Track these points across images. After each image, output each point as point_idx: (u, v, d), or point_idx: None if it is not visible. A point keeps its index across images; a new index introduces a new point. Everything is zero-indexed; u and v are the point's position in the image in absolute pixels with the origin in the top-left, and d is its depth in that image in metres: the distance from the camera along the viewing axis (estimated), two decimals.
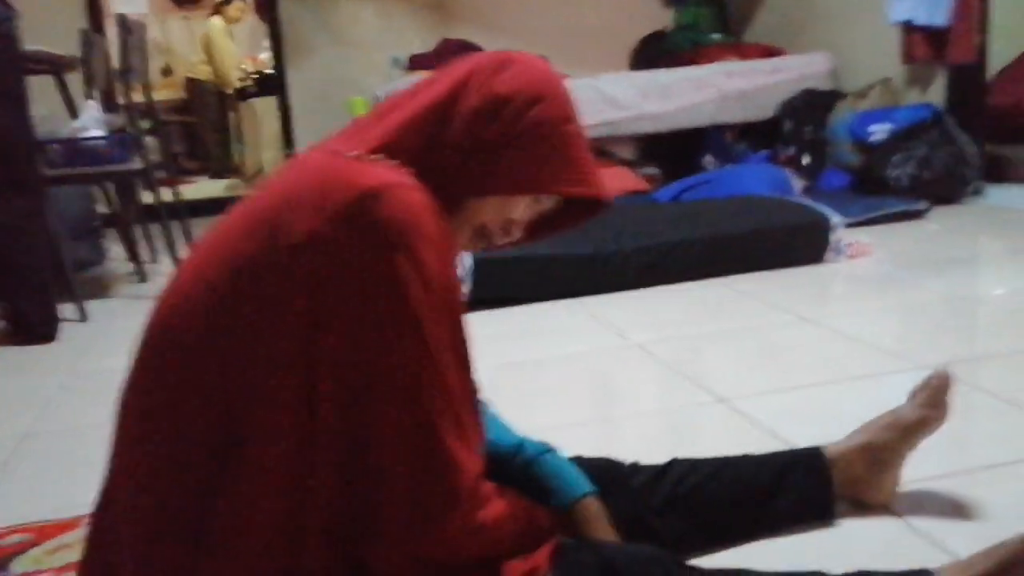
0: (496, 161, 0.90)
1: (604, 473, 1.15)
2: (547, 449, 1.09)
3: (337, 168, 0.82)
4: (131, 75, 3.06)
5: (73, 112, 3.39)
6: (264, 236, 0.81)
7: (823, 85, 4.66)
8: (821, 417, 1.69)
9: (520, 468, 1.06)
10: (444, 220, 0.84)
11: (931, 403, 1.25)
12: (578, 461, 1.14)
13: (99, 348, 2.60)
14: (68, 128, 3.00)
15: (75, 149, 2.93)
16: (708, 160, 4.84)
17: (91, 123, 3.03)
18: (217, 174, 7.72)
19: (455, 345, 0.86)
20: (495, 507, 0.88)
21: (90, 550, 0.93)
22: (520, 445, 1.08)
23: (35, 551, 1.38)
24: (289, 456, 0.81)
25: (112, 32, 5.14)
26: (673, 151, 4.93)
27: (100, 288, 3.44)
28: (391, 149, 0.87)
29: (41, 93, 3.10)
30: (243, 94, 7.01)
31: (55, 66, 3.13)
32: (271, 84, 6.35)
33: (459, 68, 0.93)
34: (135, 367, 0.87)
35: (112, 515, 0.89)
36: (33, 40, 2.82)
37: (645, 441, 1.66)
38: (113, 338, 2.69)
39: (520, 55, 0.96)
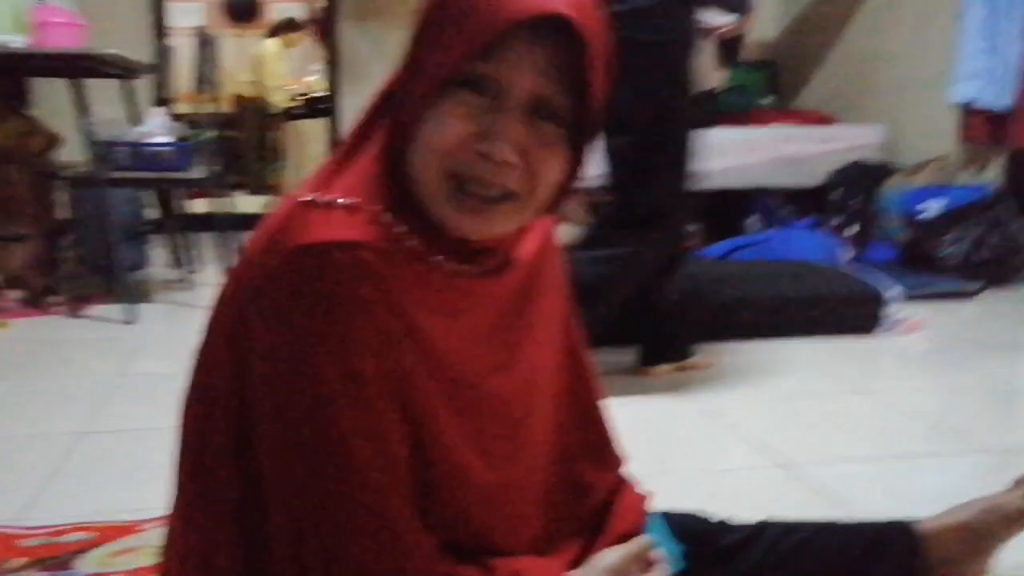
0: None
1: (693, 531, 1.12)
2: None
3: (288, 221, 0.77)
4: (205, 86, 3.09)
5: (135, 118, 3.41)
6: (232, 287, 0.82)
7: (874, 157, 4.66)
8: (886, 491, 1.66)
9: None
10: (395, 269, 0.77)
11: None
12: (665, 516, 1.12)
13: (148, 352, 2.58)
14: (135, 132, 3.02)
15: (139, 153, 2.95)
16: (752, 221, 4.83)
17: (158, 129, 3.05)
18: (254, 191, 7.79)
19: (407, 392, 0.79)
20: None
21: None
22: None
23: (97, 552, 1.36)
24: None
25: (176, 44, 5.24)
26: (715, 209, 4.91)
27: (144, 292, 3.44)
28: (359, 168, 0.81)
29: (102, 96, 3.13)
30: (291, 114, 7.09)
31: (127, 71, 3.16)
32: (321, 106, 6.44)
33: None
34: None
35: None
36: (104, 44, 2.85)
37: (705, 502, 1.63)
38: (160, 343, 2.68)
39: None
